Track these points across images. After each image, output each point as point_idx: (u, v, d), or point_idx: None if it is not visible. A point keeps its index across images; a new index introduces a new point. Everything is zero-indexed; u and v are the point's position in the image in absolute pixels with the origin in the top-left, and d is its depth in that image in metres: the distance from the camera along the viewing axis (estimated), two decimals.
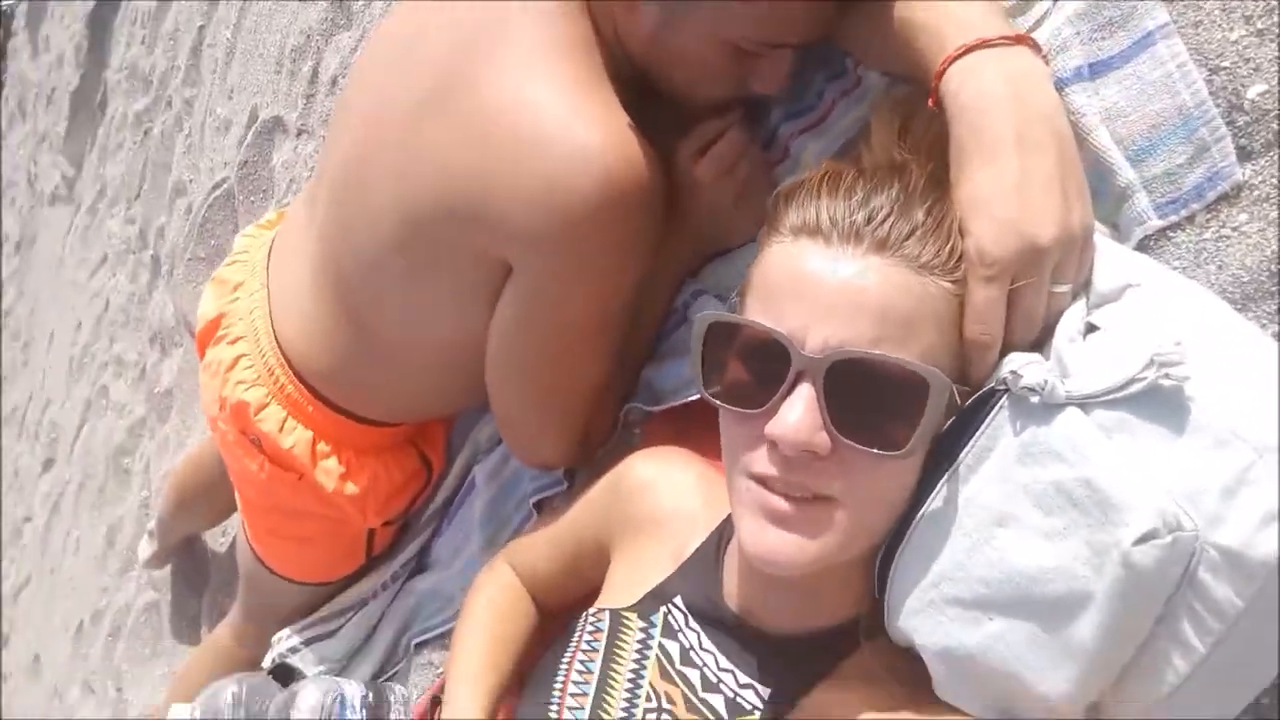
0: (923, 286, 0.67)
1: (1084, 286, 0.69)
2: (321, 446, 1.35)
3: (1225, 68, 0.71)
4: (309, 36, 1.90)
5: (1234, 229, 0.70)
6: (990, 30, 0.73)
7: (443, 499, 1.45)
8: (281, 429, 1.32)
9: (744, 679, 0.81)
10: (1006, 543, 0.65)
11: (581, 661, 0.88)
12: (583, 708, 0.84)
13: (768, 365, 0.68)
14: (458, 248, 1.01)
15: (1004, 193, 0.67)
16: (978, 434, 0.67)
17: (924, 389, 0.65)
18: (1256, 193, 0.70)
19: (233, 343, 1.36)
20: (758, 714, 0.78)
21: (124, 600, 2.44)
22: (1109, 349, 0.64)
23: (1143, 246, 0.74)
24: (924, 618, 0.70)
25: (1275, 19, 0.69)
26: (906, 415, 0.66)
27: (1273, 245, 0.68)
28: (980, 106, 0.69)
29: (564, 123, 0.90)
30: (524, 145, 0.91)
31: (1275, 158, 0.69)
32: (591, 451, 1.17)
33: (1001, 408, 0.66)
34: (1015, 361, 0.67)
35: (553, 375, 1.07)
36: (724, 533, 0.89)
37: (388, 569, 1.48)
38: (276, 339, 1.30)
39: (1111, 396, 0.61)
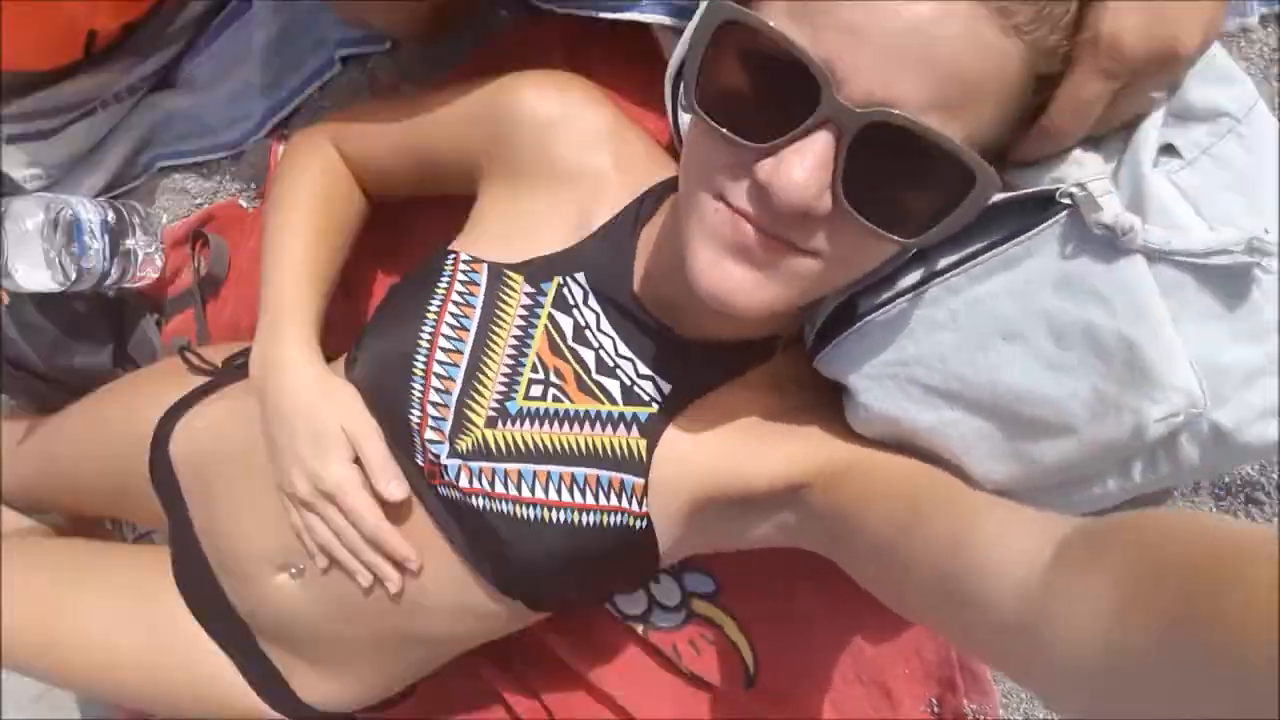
0: (1004, 51, 0.52)
1: (1171, 89, 0.60)
2: None
3: None
4: None
5: None
6: None
7: (199, 10, 1.12)
8: None
9: (644, 369, 0.77)
10: (1004, 357, 0.62)
11: (454, 314, 0.78)
12: (456, 365, 0.76)
13: (785, 95, 0.54)
14: None
15: None
16: (1015, 240, 0.60)
17: (969, 182, 0.55)
18: None
19: None
20: (655, 406, 0.76)
21: None
22: (1192, 193, 0.57)
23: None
24: (880, 385, 0.68)
25: None
26: (935, 203, 0.56)
27: None
28: None
29: None
30: None
31: None
32: (436, 31, 0.92)
33: (1056, 223, 0.59)
34: (1085, 168, 0.59)
35: None
36: (641, 210, 0.78)
37: (121, 79, 1.16)
38: None
39: (1187, 259, 0.56)
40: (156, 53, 1.15)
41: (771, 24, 0.53)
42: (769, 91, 0.55)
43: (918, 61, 0.51)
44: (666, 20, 0.80)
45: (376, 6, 0.87)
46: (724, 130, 0.56)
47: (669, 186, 0.79)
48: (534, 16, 0.90)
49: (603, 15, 0.82)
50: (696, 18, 0.58)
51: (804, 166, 0.54)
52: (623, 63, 0.87)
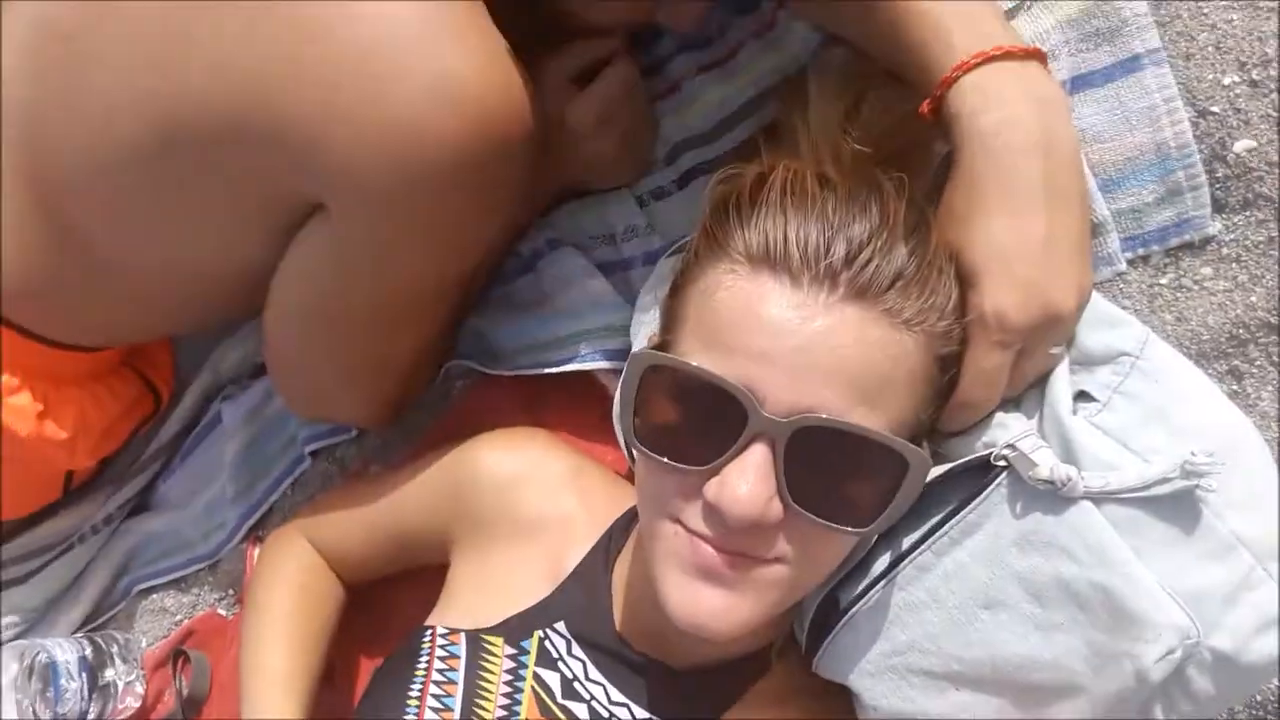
0: (900, 344, 0.57)
1: (1068, 343, 0.65)
2: (8, 380, 1.02)
3: (1214, 113, 0.68)
4: None
5: (1196, 282, 0.69)
6: (1006, 37, 0.62)
7: (172, 433, 1.18)
8: None
9: (641, 713, 0.73)
10: (992, 627, 0.61)
11: (436, 695, 0.76)
12: None
13: (716, 420, 0.57)
14: (242, 171, 0.74)
15: (1030, 251, 0.59)
16: (968, 509, 0.62)
17: (902, 467, 0.58)
18: (1225, 251, 0.68)
19: None
20: None
21: None
22: (1116, 432, 0.60)
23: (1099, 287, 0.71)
24: (880, 681, 0.66)
25: (1271, 72, 0.66)
26: (876, 491, 0.59)
27: (1237, 308, 0.68)
28: (1010, 140, 0.59)
29: (421, 37, 0.66)
30: (364, 62, 0.65)
31: (1252, 218, 0.67)
32: (399, 413, 0.98)
33: (999, 485, 0.61)
34: (1009, 429, 0.62)
35: (371, 339, 0.85)
36: (610, 546, 0.79)
37: (98, 509, 1.20)
38: None
39: (1132, 495, 0.58)
40: (132, 479, 1.20)
41: (691, 362, 0.58)
42: (701, 418, 0.59)
43: (826, 370, 0.56)
44: (605, 365, 0.86)
45: (341, 401, 0.93)
46: (666, 460, 0.59)
47: (633, 517, 0.81)
48: (487, 380, 0.96)
49: (548, 370, 0.88)
50: (624, 369, 0.63)
51: (747, 480, 0.56)
52: (575, 406, 0.92)
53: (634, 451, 0.71)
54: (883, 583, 0.65)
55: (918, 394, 0.59)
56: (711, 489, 0.57)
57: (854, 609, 0.67)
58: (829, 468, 0.57)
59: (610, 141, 0.84)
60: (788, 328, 0.56)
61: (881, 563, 0.66)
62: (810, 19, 0.79)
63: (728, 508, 0.56)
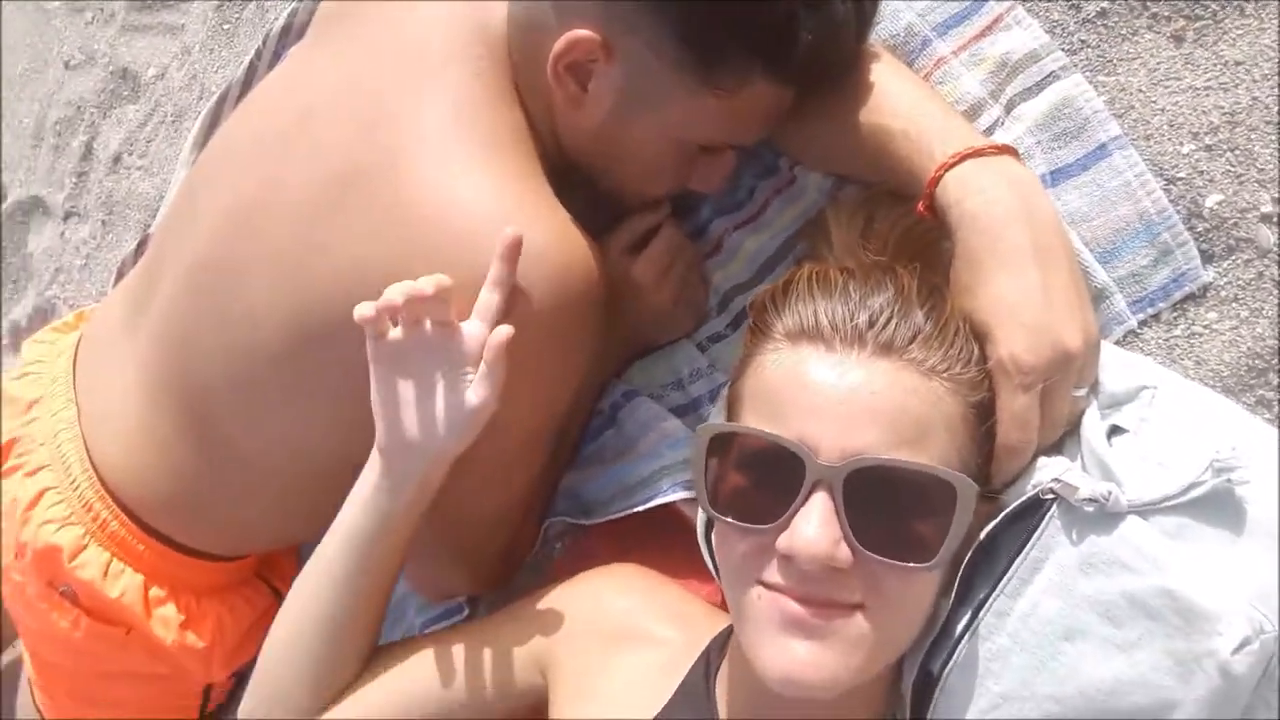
0: (930, 390, 0.65)
1: (1092, 388, 0.71)
2: (155, 592, 1.13)
3: (1181, 178, 0.77)
4: (79, 108, 1.66)
5: (1205, 326, 0.75)
6: (975, 140, 0.74)
7: None
8: (106, 575, 1.10)
9: None
10: (1076, 657, 0.64)
11: None
12: None
13: (778, 477, 0.64)
14: (361, 359, 0.88)
15: (1031, 301, 0.68)
16: (1029, 546, 0.66)
17: (951, 495, 0.64)
18: (1224, 293, 0.75)
19: (32, 474, 1.11)
20: None
21: None
22: (1151, 453, 0.65)
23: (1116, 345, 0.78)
24: None
25: (1220, 136, 0.76)
26: (934, 524, 0.64)
27: (1246, 342, 0.74)
28: (993, 214, 0.70)
29: (503, 221, 0.81)
30: (460, 248, 0.81)
31: (1239, 260, 0.75)
32: (509, 575, 1.06)
33: (1052, 517, 0.66)
34: (1053, 468, 0.68)
35: (476, 501, 0.94)
36: (710, 661, 0.83)
37: None
38: (94, 466, 1.08)
39: (1173, 502, 0.62)
40: None
41: (748, 425, 0.66)
42: (765, 477, 0.66)
43: (869, 415, 0.63)
44: (685, 494, 0.93)
45: (458, 569, 1.01)
46: (740, 523, 0.66)
47: (730, 632, 0.85)
48: (584, 534, 1.04)
49: (635, 510, 0.96)
50: (692, 445, 0.71)
51: (812, 524, 0.62)
52: (665, 544, 0.98)
53: (713, 544, 0.78)
54: (966, 637, 0.68)
55: (957, 438, 0.66)
56: (783, 540, 0.64)
57: (946, 670, 0.69)
58: (886, 507, 0.63)
59: (668, 294, 0.97)
60: (829, 384, 0.64)
61: (963, 620, 0.69)
62: (817, 166, 0.93)
63: (800, 551, 0.62)
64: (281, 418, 0.97)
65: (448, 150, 0.84)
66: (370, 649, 0.91)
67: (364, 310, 0.77)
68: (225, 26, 1.55)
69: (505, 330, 0.77)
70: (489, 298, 0.79)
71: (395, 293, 0.76)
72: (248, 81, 1.39)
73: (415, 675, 0.89)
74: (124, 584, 1.10)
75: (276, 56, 1.37)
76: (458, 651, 0.89)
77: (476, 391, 0.80)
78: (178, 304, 1.00)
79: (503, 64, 0.90)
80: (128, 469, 1.08)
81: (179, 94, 1.55)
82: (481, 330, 0.79)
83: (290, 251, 0.89)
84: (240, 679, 1.28)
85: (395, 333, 0.81)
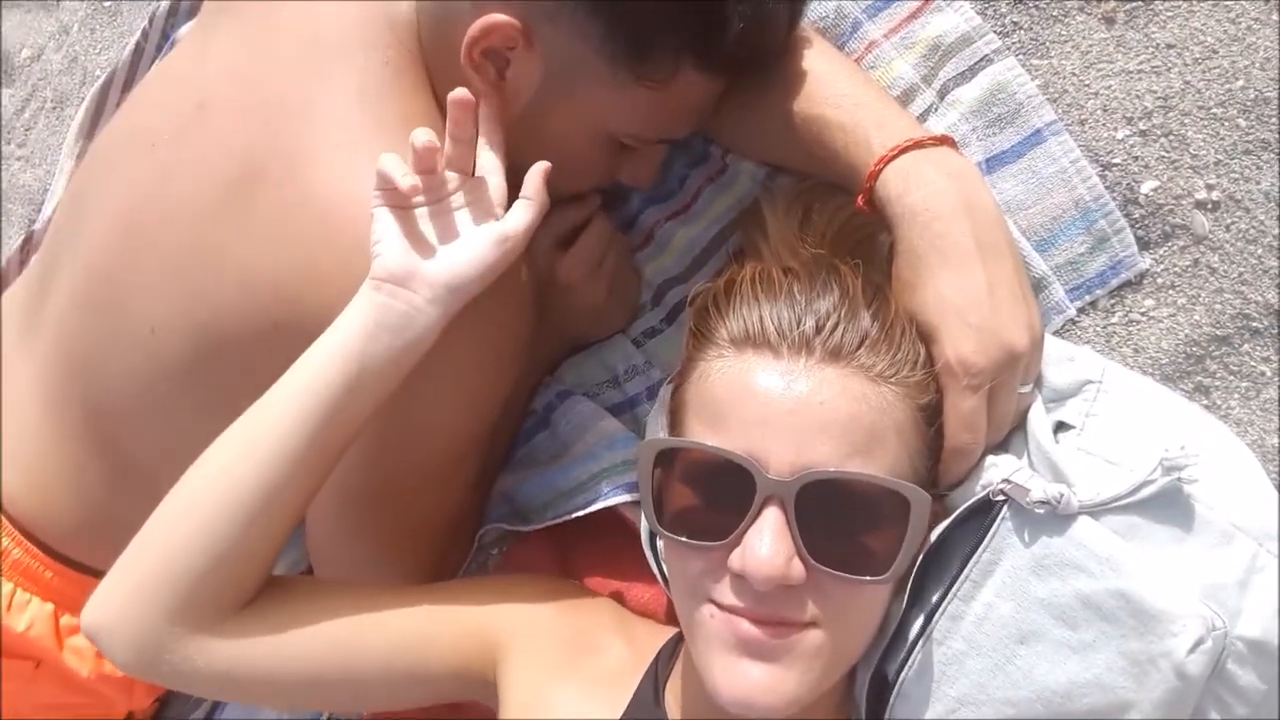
0: (879, 396, 0.64)
1: (1037, 383, 0.70)
2: (67, 620, 1.07)
3: (1116, 164, 0.76)
4: None
5: (1143, 314, 0.75)
6: (912, 130, 0.72)
7: None
8: (9, 607, 1.03)
9: None
10: (1031, 660, 0.64)
11: None
12: None
13: (728, 492, 0.62)
14: (272, 367, 0.83)
15: (977, 300, 0.66)
16: (981, 548, 0.66)
17: (905, 506, 0.62)
18: (1160, 280, 0.75)
19: None
20: None
21: None
22: (1098, 450, 0.65)
23: (1055, 334, 0.78)
24: None
25: (1154, 121, 0.75)
26: (887, 536, 0.63)
27: (1184, 329, 0.74)
28: (935, 211, 0.68)
29: None
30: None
31: (1175, 247, 0.74)
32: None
33: (1003, 519, 0.65)
34: (1002, 467, 0.67)
35: (402, 511, 0.90)
36: (658, 672, 0.81)
37: None
38: None
39: (1123, 502, 0.62)
40: (192, 714, 1.21)
41: (695, 440, 0.64)
42: (715, 493, 0.64)
43: (818, 427, 0.61)
44: (628, 498, 0.91)
45: (384, 580, 0.97)
46: (690, 541, 0.64)
47: (678, 640, 0.83)
48: (520, 541, 1.00)
49: (575, 515, 0.93)
50: (638, 459, 0.68)
51: (765, 541, 0.60)
52: (606, 548, 0.96)
53: (658, 550, 0.75)
54: (921, 641, 0.68)
55: (908, 443, 0.65)
56: (735, 559, 0.62)
57: (901, 676, 0.69)
58: (839, 520, 0.61)
59: (599, 290, 0.93)
60: (776, 394, 0.62)
61: (917, 625, 0.69)
62: (750, 155, 0.90)
63: (753, 570, 0.60)
64: (193, 436, 0.91)
65: (354, 141, 0.79)
66: (276, 556, 0.76)
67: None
68: (106, 3, 1.44)
69: (543, 165, 0.76)
70: (489, 154, 0.77)
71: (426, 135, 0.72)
72: (134, 65, 1.29)
73: (361, 625, 0.78)
74: (31, 615, 1.04)
75: (165, 37, 1.28)
76: (412, 611, 0.80)
77: (514, 216, 0.75)
78: (72, 321, 0.93)
79: (413, 52, 0.84)
80: (30, 494, 1.01)
81: (58, 78, 1.44)
82: (498, 178, 0.76)
83: (188, 260, 0.83)
84: (163, 704, 1.23)
85: (409, 179, 0.72)
